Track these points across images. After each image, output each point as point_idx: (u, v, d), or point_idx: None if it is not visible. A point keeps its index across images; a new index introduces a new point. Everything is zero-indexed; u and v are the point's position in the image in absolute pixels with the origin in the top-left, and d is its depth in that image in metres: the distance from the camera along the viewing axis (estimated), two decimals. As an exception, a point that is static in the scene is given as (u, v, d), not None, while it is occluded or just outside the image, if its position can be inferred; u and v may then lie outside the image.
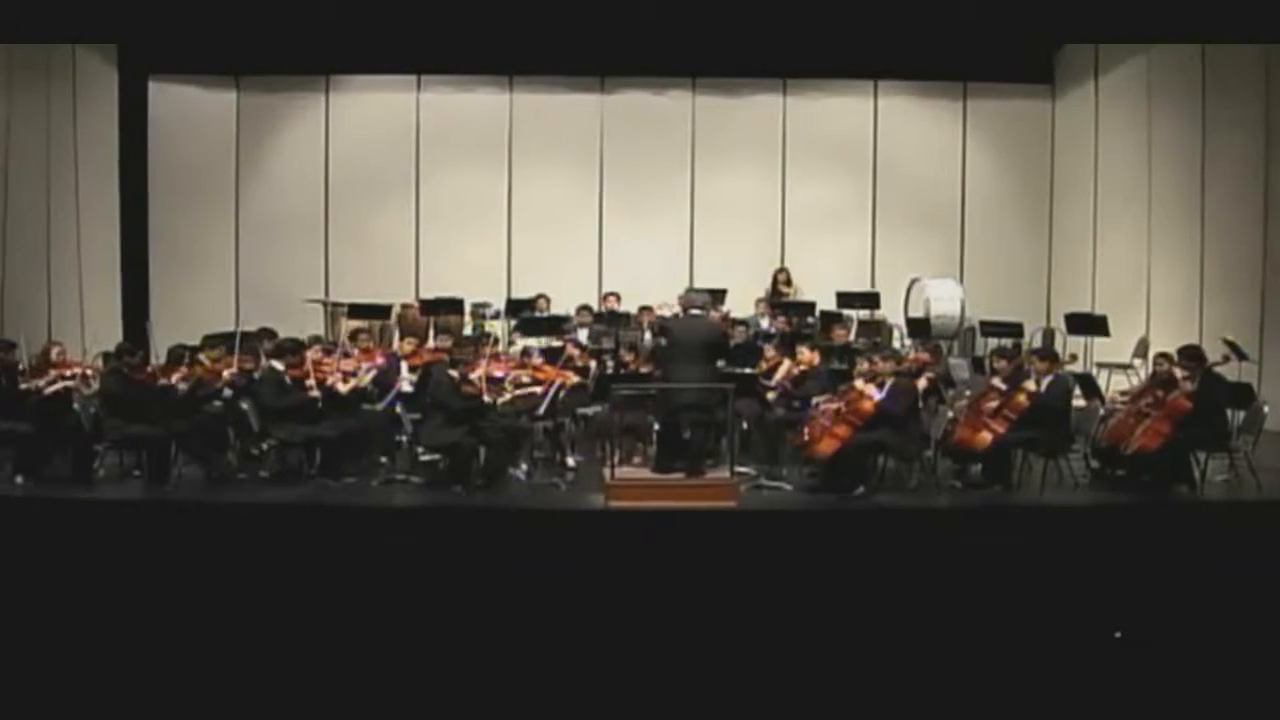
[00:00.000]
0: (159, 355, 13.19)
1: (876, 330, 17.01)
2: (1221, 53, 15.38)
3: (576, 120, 19.09)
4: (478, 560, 10.56)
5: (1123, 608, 10.05)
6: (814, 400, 12.42)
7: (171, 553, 10.66)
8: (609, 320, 16.15)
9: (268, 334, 13.91)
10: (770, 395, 13.28)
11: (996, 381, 12.23)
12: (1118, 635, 9.84)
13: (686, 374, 11.90)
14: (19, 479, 12.05)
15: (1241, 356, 13.05)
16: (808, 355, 13.49)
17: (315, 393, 12.31)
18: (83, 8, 14.85)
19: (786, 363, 13.62)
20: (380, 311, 16.20)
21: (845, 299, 16.92)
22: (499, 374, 12.85)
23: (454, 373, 12.30)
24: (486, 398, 12.23)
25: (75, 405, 12.35)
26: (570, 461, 13.04)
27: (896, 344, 16.61)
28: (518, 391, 12.82)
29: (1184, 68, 15.98)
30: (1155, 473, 11.97)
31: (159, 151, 18.89)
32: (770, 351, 14.12)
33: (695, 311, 12.33)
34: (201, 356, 13.04)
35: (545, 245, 18.91)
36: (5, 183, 16.57)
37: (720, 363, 12.51)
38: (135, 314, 18.16)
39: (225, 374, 12.50)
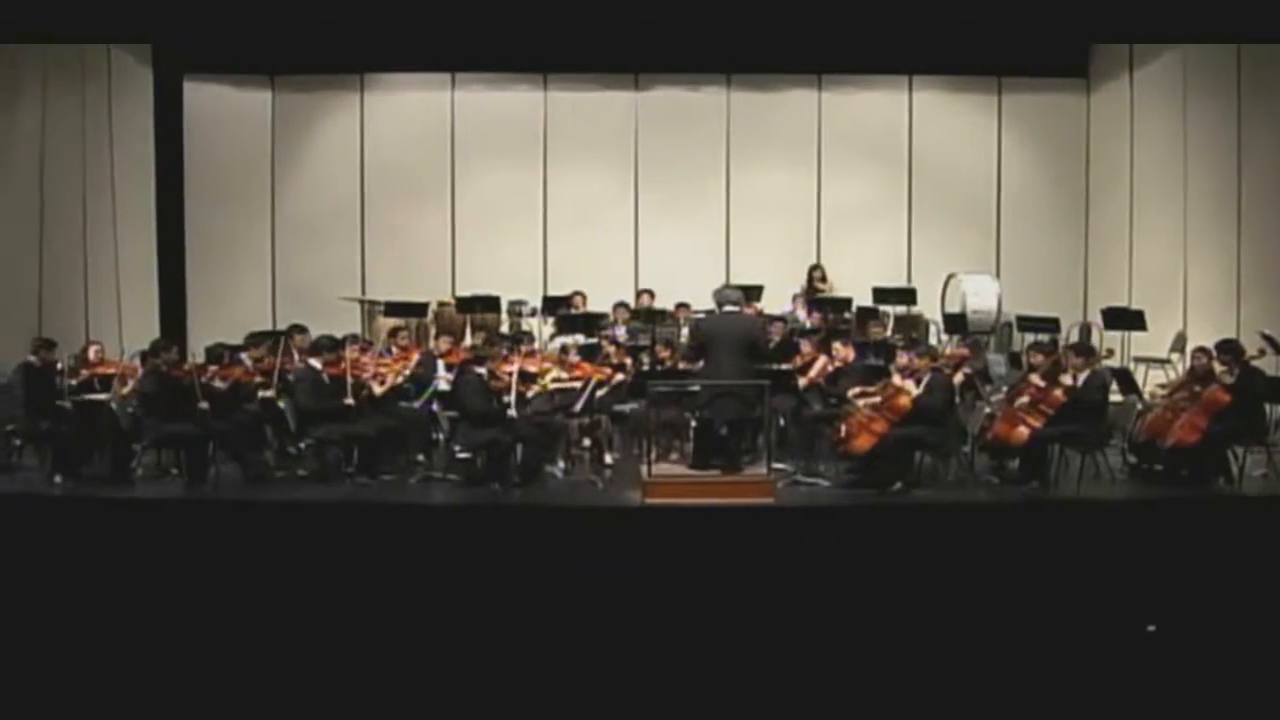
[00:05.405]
0: (195, 353, 13.24)
1: (913, 326, 16.95)
2: (1257, 46, 15.25)
3: (611, 117, 19.07)
4: (515, 558, 10.58)
5: (1160, 603, 10.01)
6: (849, 393, 12.39)
7: (209, 552, 10.71)
8: (645, 317, 16.13)
9: (298, 329, 13.91)
10: (802, 382, 13.27)
11: (1035, 377, 12.19)
12: (1151, 629, 9.81)
13: (722, 370, 11.86)
14: (57, 479, 12.14)
15: (1279, 350, 12.98)
16: (843, 351, 13.47)
17: (349, 396, 12.31)
18: (117, 8, 14.91)
19: (822, 359, 13.60)
20: (417, 309, 16.24)
21: (881, 295, 16.87)
22: (533, 369, 12.85)
23: (481, 370, 12.32)
24: (516, 393, 12.19)
25: (112, 404, 12.40)
26: (608, 458, 13.03)
27: (933, 340, 16.55)
28: (553, 386, 12.83)
29: (1219, 61, 15.86)
30: (1193, 467, 11.94)
31: (194, 151, 18.95)
32: (807, 347, 14.09)
33: (730, 308, 12.24)
34: (244, 356, 13.09)
35: (581, 242, 18.87)
36: (41, 183, 16.64)
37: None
38: (172, 314, 18.26)
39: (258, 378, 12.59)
